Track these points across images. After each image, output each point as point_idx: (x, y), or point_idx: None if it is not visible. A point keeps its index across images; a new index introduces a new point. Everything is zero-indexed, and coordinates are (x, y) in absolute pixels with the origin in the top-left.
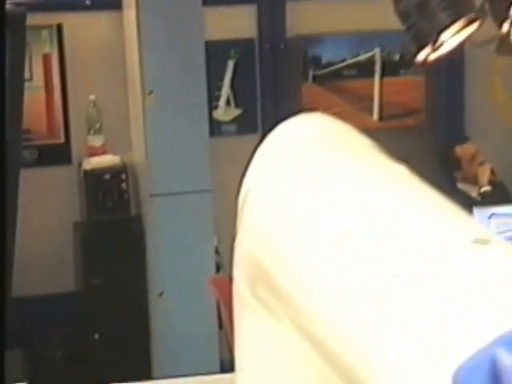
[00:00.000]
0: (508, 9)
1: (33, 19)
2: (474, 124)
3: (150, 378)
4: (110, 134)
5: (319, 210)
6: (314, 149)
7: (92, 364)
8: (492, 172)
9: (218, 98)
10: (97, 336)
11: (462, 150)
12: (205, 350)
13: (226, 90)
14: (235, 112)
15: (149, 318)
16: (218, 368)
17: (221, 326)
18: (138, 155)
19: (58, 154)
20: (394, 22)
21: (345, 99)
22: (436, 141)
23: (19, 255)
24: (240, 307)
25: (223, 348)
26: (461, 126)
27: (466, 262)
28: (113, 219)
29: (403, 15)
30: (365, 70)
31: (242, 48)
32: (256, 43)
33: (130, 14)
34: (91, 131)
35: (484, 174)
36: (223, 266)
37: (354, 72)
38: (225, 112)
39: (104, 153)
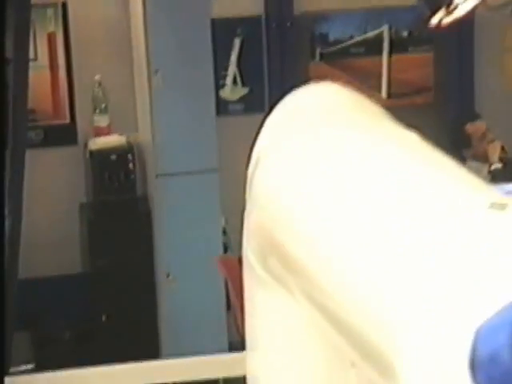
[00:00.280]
0: None
1: None
2: (485, 101)
3: (157, 358)
4: (115, 113)
5: (332, 177)
6: (326, 116)
7: (100, 345)
8: (503, 149)
9: (224, 77)
10: (104, 317)
11: (473, 128)
12: (213, 331)
13: (232, 69)
14: (242, 91)
15: (156, 298)
16: (226, 349)
17: (229, 307)
18: (144, 135)
19: (63, 135)
20: None
21: (353, 77)
22: (446, 118)
23: (25, 237)
24: (251, 281)
25: (231, 329)
26: (471, 104)
27: (484, 225)
28: (119, 200)
29: None
30: (373, 47)
31: (248, 26)
32: (263, 21)
33: None
34: (97, 111)
35: (494, 152)
36: (231, 247)
37: (361, 49)
38: (231, 91)
39: (110, 133)
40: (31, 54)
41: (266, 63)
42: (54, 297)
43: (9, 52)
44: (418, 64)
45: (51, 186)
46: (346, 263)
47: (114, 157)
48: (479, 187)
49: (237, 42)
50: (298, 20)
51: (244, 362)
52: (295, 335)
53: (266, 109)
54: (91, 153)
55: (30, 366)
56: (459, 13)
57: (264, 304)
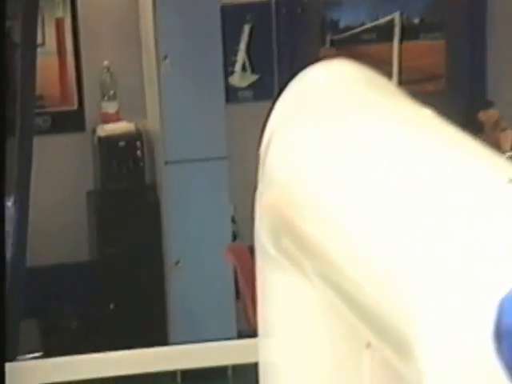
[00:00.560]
0: None
1: None
2: (497, 89)
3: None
4: (124, 100)
5: (347, 155)
6: (339, 92)
7: (108, 333)
8: None
9: (233, 64)
10: (112, 305)
11: (485, 116)
12: (222, 320)
13: (241, 56)
14: (251, 78)
15: (165, 287)
16: (235, 338)
17: (238, 296)
18: (152, 122)
19: (71, 121)
20: None
21: (363, 64)
22: (457, 106)
23: (32, 224)
24: (263, 262)
25: (240, 318)
26: (483, 92)
27: (504, 198)
28: (127, 187)
29: None
30: (384, 33)
31: (258, 12)
32: (273, 7)
33: None
34: (105, 97)
35: (507, 140)
36: (239, 235)
37: (372, 36)
38: (241, 78)
39: (118, 120)
40: (39, 40)
41: (276, 50)
42: (61, 285)
43: (17, 37)
44: (430, 51)
45: (59, 173)
46: (362, 241)
47: (122, 144)
48: (498, 163)
49: (246, 29)
50: (309, 6)
51: (253, 350)
52: (309, 316)
53: (276, 96)
54: (99, 140)
55: (37, 355)
56: None
57: (277, 285)
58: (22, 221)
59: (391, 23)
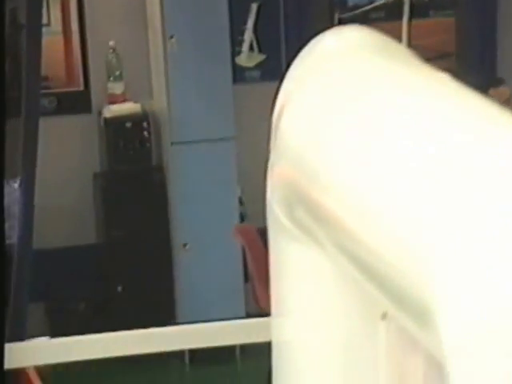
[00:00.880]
0: None
1: None
2: (508, 67)
3: None
4: (130, 81)
5: (362, 121)
6: (353, 58)
7: (115, 316)
8: None
9: (240, 43)
10: (120, 288)
11: (496, 93)
12: (230, 302)
13: (249, 35)
14: (259, 57)
15: (172, 269)
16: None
17: (246, 279)
18: (159, 102)
19: (77, 102)
20: None
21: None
22: (468, 84)
23: (39, 207)
24: (276, 234)
25: (249, 301)
26: (493, 69)
27: None
28: (134, 169)
29: None
30: (393, 11)
31: None
32: None
33: None
34: (111, 78)
35: None
36: (247, 216)
37: (381, 14)
38: (248, 58)
39: (124, 100)
40: (44, 20)
41: (283, 29)
42: (68, 268)
43: (22, 17)
44: (440, 29)
45: (65, 155)
46: (378, 207)
47: (128, 124)
48: None
49: (254, 8)
50: None
51: (262, 329)
52: (323, 288)
53: (283, 75)
54: (105, 121)
55: (44, 339)
56: None
57: (291, 257)
58: (28, 203)
59: (400, 1)
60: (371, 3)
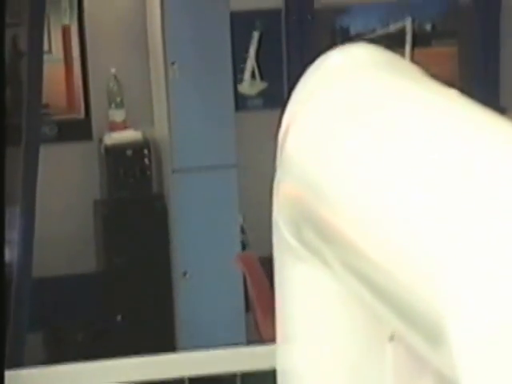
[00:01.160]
0: None
1: None
2: (510, 96)
3: None
4: (131, 108)
5: (371, 139)
6: (362, 76)
7: (114, 346)
8: None
9: (242, 71)
10: (119, 317)
11: None
12: (231, 331)
13: (251, 63)
14: (260, 85)
15: (173, 298)
16: None
17: (247, 308)
18: (160, 129)
19: (78, 130)
20: None
21: None
22: None
23: (39, 234)
24: (282, 255)
25: (250, 331)
26: (496, 98)
27: None
28: (135, 197)
29: None
30: (395, 40)
31: (267, 19)
32: (282, 14)
33: None
34: (112, 106)
35: None
36: (249, 245)
37: (384, 43)
38: (250, 85)
39: (125, 128)
40: (45, 47)
41: (286, 57)
42: (67, 296)
43: (23, 45)
44: (442, 58)
45: (65, 182)
46: (386, 224)
47: (129, 152)
48: None
49: (255, 36)
50: (319, 13)
51: (263, 356)
52: (330, 310)
53: (285, 103)
54: (106, 148)
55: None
56: None
57: (297, 277)
58: (28, 230)
59: (403, 30)
60: (373, 32)
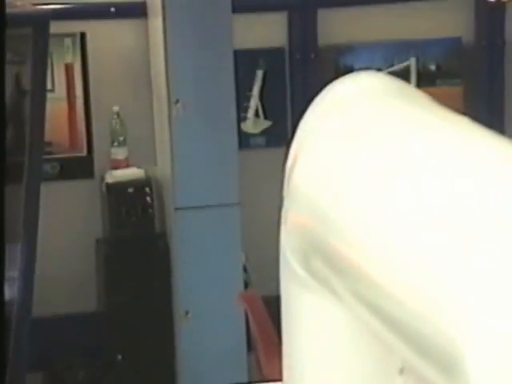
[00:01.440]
0: None
1: (55, 27)
2: None
3: None
4: (134, 146)
5: (381, 169)
6: (370, 104)
7: None
8: None
9: (246, 110)
10: (120, 357)
11: None
12: (233, 372)
13: (254, 101)
14: (264, 124)
15: (174, 337)
16: None
17: (249, 348)
18: (163, 168)
19: (80, 168)
20: (429, 31)
21: None
22: None
23: (39, 273)
24: (289, 284)
25: (252, 371)
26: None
27: None
28: (137, 235)
29: None
30: (400, 80)
31: (271, 57)
32: (286, 52)
33: (156, 21)
34: (115, 144)
35: None
36: (251, 284)
37: None
38: (253, 124)
39: (128, 166)
40: (48, 85)
41: (289, 96)
42: (67, 336)
43: (26, 83)
44: (447, 97)
45: (67, 221)
46: (399, 254)
47: (131, 190)
48: None
49: (259, 74)
50: (323, 52)
51: None
52: (339, 341)
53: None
54: (108, 186)
55: None
56: None
57: (305, 308)
58: (29, 268)
59: (407, 69)
60: (378, 71)
